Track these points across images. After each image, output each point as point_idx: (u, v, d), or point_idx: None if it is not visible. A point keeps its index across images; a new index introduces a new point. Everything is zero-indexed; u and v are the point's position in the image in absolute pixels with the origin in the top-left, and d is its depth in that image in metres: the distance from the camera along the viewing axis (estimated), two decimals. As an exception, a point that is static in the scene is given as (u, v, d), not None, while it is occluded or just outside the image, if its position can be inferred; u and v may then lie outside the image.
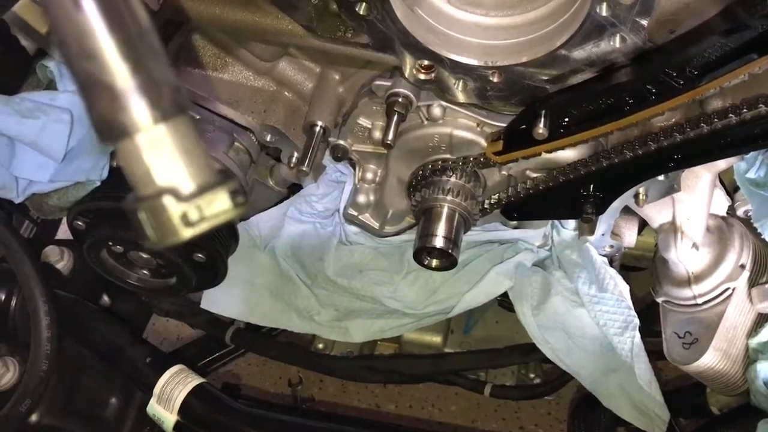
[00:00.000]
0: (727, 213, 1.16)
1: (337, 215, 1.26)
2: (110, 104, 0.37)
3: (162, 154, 0.38)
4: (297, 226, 1.26)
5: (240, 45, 1.06)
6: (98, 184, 1.08)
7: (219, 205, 0.39)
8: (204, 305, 1.32)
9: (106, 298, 1.43)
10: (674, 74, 0.82)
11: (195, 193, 0.39)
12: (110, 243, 1.12)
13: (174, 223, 0.38)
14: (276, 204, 1.27)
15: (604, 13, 0.78)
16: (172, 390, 1.19)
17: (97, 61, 0.36)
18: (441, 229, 1.05)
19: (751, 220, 1.08)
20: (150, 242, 0.39)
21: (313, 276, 1.29)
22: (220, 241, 1.10)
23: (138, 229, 0.39)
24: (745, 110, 0.85)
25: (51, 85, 1.07)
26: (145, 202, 0.38)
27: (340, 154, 1.13)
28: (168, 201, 0.38)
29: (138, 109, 0.37)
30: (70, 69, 0.37)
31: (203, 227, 0.39)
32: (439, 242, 1.04)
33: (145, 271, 1.18)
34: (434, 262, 1.07)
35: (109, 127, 0.37)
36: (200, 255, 1.08)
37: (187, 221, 0.38)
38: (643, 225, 1.25)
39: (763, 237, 1.04)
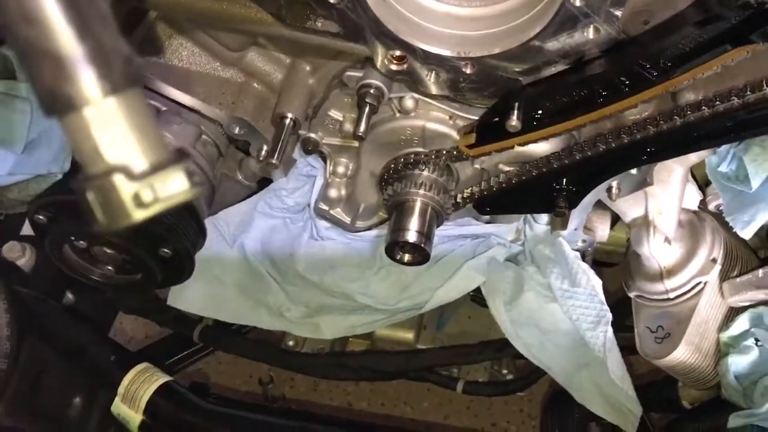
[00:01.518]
0: (699, 207, 1.16)
1: (308, 210, 1.24)
2: (55, 74, 0.34)
3: (112, 130, 0.35)
4: (267, 221, 1.24)
5: (207, 35, 1.03)
6: (60, 177, 1.04)
7: (174, 184, 0.36)
8: (171, 302, 1.29)
9: (69, 296, 1.38)
10: (648, 66, 0.81)
11: (148, 172, 0.36)
12: (73, 238, 1.09)
13: (125, 203, 0.36)
14: (245, 199, 1.24)
15: (577, 4, 0.76)
16: (137, 389, 1.16)
17: (40, 26, 0.33)
18: (414, 224, 1.03)
19: (723, 215, 1.08)
20: (100, 226, 0.36)
21: (283, 272, 1.26)
22: (187, 235, 1.07)
23: (87, 211, 0.36)
24: (718, 102, 0.84)
25: (10, 75, 1.03)
26: (93, 181, 0.35)
27: (311, 147, 1.12)
28: (119, 180, 0.35)
29: (86, 79, 0.35)
30: (9, 35, 0.34)
31: (157, 208, 0.36)
32: (411, 236, 1.02)
33: (109, 267, 1.14)
34: (406, 257, 1.06)
35: (54, 98, 0.34)
36: (166, 250, 1.05)
37: (139, 202, 0.36)
38: (615, 220, 1.24)
39: (734, 231, 1.04)
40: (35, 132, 0.99)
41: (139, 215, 0.36)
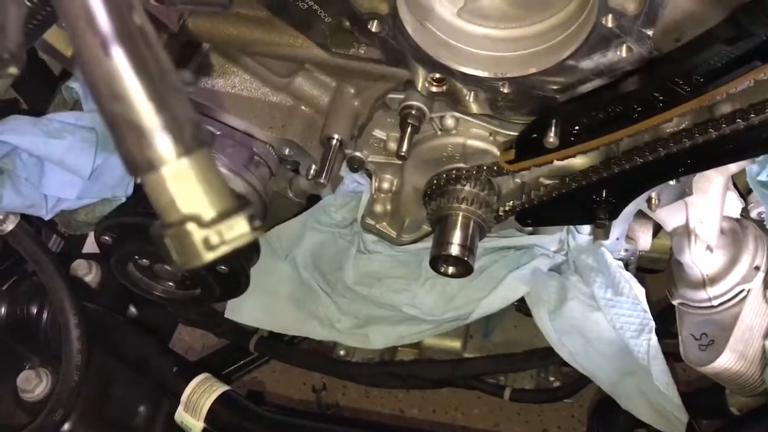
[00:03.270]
0: (741, 215, 1.17)
1: (356, 225, 1.28)
2: (138, 141, 0.40)
3: (185, 185, 0.41)
4: (316, 236, 1.29)
5: (257, 62, 1.09)
6: (123, 200, 1.11)
7: (238, 229, 0.42)
8: (228, 315, 1.35)
9: (133, 310, 1.46)
10: (681, 82, 0.83)
11: (216, 219, 0.42)
12: (136, 257, 1.15)
13: (197, 247, 0.42)
14: (296, 215, 1.29)
15: (609, 25, 0.79)
16: (198, 398, 1.22)
17: (125, 102, 0.39)
18: (456, 237, 1.07)
19: (765, 222, 1.08)
20: (176, 265, 0.42)
21: (333, 285, 1.31)
22: (242, 252, 1.12)
23: (164, 253, 0.42)
24: (753, 115, 0.86)
25: (76, 106, 1.11)
26: (170, 228, 0.41)
27: (357, 165, 1.16)
28: (191, 227, 0.42)
29: (163, 145, 0.41)
30: (99, 109, 0.40)
31: (224, 250, 0.42)
32: (454, 250, 1.06)
33: (170, 283, 1.21)
34: (450, 270, 1.10)
35: (136, 162, 0.41)
36: (223, 267, 1.11)
37: (208, 245, 0.42)
38: (658, 228, 1.25)
39: (777, 238, 1.05)
40: (100, 159, 1.05)
41: (208, 256, 0.42)
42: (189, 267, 0.42)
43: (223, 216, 0.42)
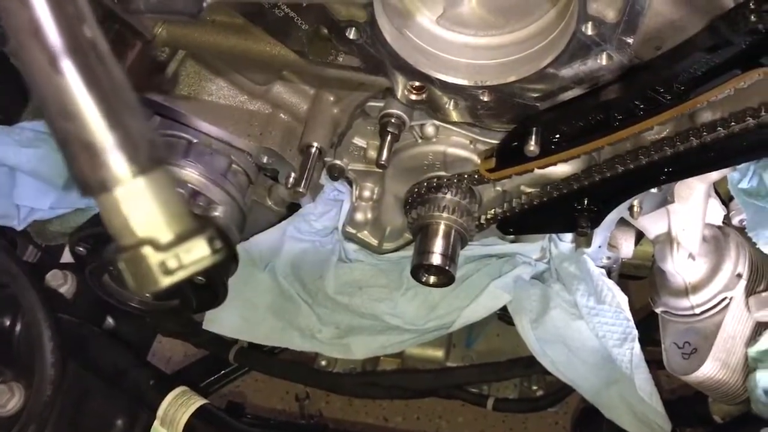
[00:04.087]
0: (723, 222, 1.16)
1: (336, 233, 1.27)
2: (90, 161, 0.38)
3: (140, 206, 0.39)
4: (296, 245, 1.27)
5: (235, 70, 1.07)
6: (98, 210, 1.09)
7: (197, 252, 0.40)
8: (206, 326, 1.33)
9: (110, 321, 1.44)
10: (661, 90, 0.83)
11: (173, 242, 0.40)
12: (112, 267, 1.13)
13: (153, 271, 0.40)
14: (275, 224, 1.27)
15: (589, 33, 0.79)
16: (175, 412, 1.19)
17: (76, 120, 0.37)
18: (438, 246, 1.06)
19: (746, 230, 1.08)
20: (132, 290, 0.40)
21: (313, 294, 1.29)
22: (220, 263, 1.10)
23: (119, 277, 0.40)
24: (733, 123, 0.85)
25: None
26: (125, 252, 0.39)
27: (337, 174, 1.15)
28: (147, 251, 0.40)
29: (116, 164, 0.39)
30: (49, 127, 0.38)
31: (182, 275, 0.40)
32: (436, 259, 1.05)
33: (147, 294, 1.19)
34: (432, 279, 1.08)
35: (89, 182, 0.39)
36: (200, 277, 1.09)
37: (165, 269, 0.40)
38: (640, 235, 1.25)
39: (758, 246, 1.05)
40: (74, 168, 1.03)
41: (165, 281, 0.40)
42: (145, 292, 0.40)
43: (181, 238, 0.40)
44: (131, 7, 0.71)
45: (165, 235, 0.40)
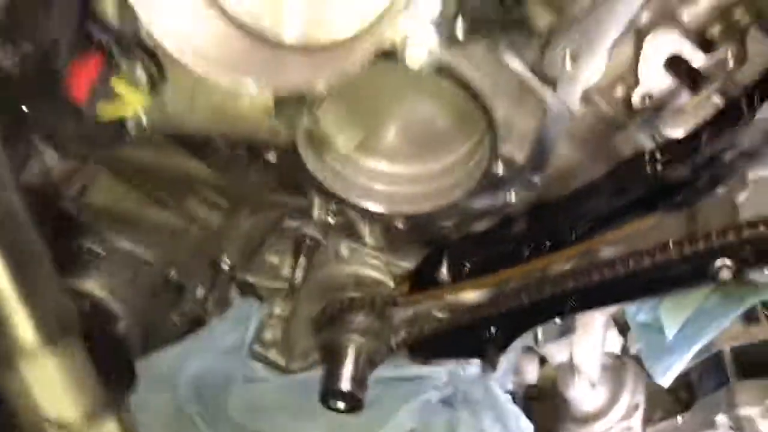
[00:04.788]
0: (621, 351, 1.20)
1: (243, 351, 1.22)
2: None
3: (46, 382, 0.37)
4: (200, 363, 1.22)
5: (145, 178, 1.06)
6: None
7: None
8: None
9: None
10: (567, 227, 0.87)
11: (79, 423, 0.37)
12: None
13: None
14: (180, 339, 1.22)
15: (499, 171, 0.83)
16: None
17: None
18: (347, 370, 1.04)
19: (642, 359, 1.12)
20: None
21: (215, 418, 1.23)
22: (117, 381, 1.04)
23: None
24: (631, 262, 0.90)
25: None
26: (29, 429, 0.37)
27: (247, 290, 1.13)
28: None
29: (24, 335, 0.36)
30: None
31: None
32: (345, 385, 1.03)
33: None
34: (341, 404, 1.06)
35: None
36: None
37: None
38: (543, 359, 1.27)
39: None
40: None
41: None
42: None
43: (88, 419, 0.38)
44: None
45: (70, 415, 0.38)
